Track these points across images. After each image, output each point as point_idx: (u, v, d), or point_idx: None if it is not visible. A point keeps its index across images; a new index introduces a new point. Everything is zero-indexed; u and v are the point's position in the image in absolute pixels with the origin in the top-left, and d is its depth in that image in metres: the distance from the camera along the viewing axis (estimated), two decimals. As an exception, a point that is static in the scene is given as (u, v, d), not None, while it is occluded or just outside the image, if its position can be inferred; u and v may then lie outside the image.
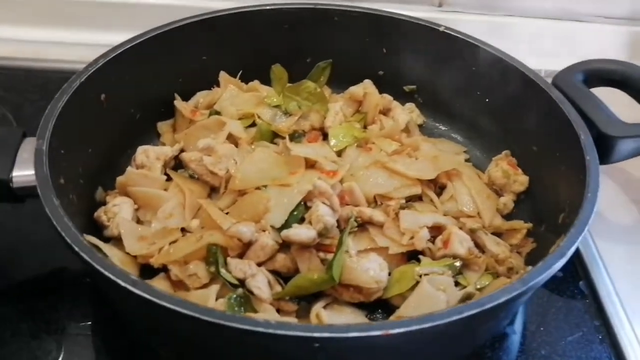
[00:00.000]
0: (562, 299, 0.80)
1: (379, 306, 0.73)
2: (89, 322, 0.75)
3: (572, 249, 0.62)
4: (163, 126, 0.95)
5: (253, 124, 0.91)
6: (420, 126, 1.01)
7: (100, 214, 0.78)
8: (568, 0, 1.19)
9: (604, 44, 1.18)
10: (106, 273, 0.56)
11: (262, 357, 0.61)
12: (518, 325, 0.77)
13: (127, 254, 0.74)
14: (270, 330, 0.52)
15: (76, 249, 0.58)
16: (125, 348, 0.73)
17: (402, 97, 1.02)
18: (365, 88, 0.97)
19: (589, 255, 0.85)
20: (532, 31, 1.19)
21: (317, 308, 0.70)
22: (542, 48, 1.16)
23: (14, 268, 0.82)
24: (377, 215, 0.78)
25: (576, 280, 0.82)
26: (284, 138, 0.87)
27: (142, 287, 0.54)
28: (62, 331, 0.74)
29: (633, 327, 0.76)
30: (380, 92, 1.00)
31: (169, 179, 0.84)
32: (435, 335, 0.57)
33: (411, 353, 0.62)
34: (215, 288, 0.69)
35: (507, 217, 0.86)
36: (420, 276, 0.72)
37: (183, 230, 0.78)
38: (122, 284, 0.54)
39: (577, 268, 0.83)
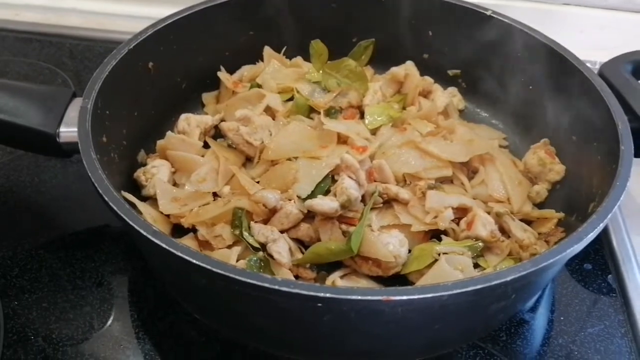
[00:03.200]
0: (587, 291, 0.79)
1: (397, 282, 0.74)
2: (124, 278, 0.80)
3: (591, 235, 0.61)
4: (207, 97, 0.99)
5: (292, 98, 0.93)
6: (461, 111, 1.01)
7: (140, 174, 0.82)
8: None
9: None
10: (132, 223, 0.60)
11: (274, 317, 0.64)
12: (539, 313, 0.76)
13: (161, 213, 0.78)
14: (276, 287, 0.54)
15: (105, 197, 0.62)
16: (153, 299, 0.77)
17: (446, 82, 1.02)
18: (407, 69, 0.97)
19: (622, 249, 0.83)
20: (589, 21, 1.15)
21: (334, 277, 0.72)
22: (597, 39, 1.12)
23: (60, 221, 0.88)
24: (403, 193, 0.79)
25: (605, 273, 0.80)
26: (319, 113, 0.89)
27: (160, 237, 0.58)
28: (98, 281, 0.79)
29: (658, 323, 0.74)
30: (425, 75, 1.00)
31: (208, 147, 0.87)
32: (440, 308, 0.57)
33: (419, 326, 0.63)
34: (237, 250, 0.72)
35: (541, 205, 0.85)
36: (439, 254, 0.72)
37: (215, 195, 0.81)
38: (141, 230, 0.58)
39: (607, 261, 0.82)
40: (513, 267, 0.57)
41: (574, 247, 0.59)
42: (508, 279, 0.56)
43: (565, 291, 0.79)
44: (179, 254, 0.57)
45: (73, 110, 0.76)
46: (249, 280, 0.55)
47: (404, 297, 0.54)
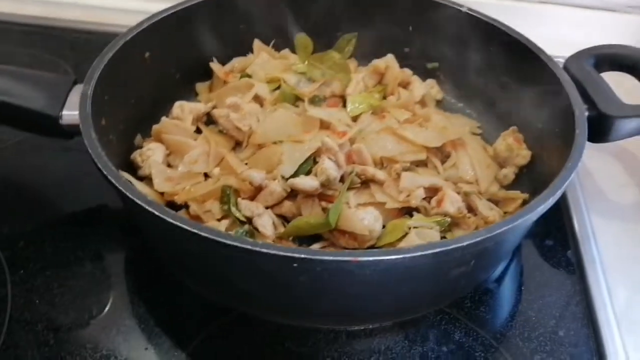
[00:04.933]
0: (548, 265, 0.85)
1: (372, 254, 0.81)
2: (122, 251, 0.86)
3: (541, 207, 0.68)
4: (201, 87, 1.05)
5: (279, 88, 1.00)
6: (439, 102, 1.07)
7: (136, 155, 0.89)
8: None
9: (634, 34, 1.20)
10: (127, 193, 0.66)
11: (257, 281, 0.70)
12: (503, 283, 0.83)
13: (156, 191, 0.85)
14: (257, 248, 0.60)
15: (104, 172, 0.68)
16: (146, 270, 0.83)
17: (426, 74, 1.09)
18: (387, 62, 1.04)
19: (582, 228, 0.89)
20: (565, 19, 1.22)
21: (314, 248, 0.79)
22: (573, 36, 1.18)
23: (61, 200, 0.94)
24: (379, 174, 0.85)
25: (565, 249, 0.87)
26: (304, 101, 0.95)
27: (155, 206, 0.64)
28: (97, 254, 0.85)
29: (610, 294, 0.80)
30: (405, 67, 1.07)
31: (200, 133, 0.94)
32: (405, 270, 0.64)
33: (387, 288, 0.69)
34: (225, 223, 0.79)
35: (508, 187, 0.91)
36: (410, 228, 0.79)
37: (206, 176, 0.88)
38: (137, 200, 0.64)
39: (568, 239, 0.88)
40: (469, 234, 0.64)
41: (524, 217, 0.66)
42: (464, 244, 0.62)
43: (528, 265, 0.85)
44: (173, 221, 0.63)
45: (74, 95, 0.82)
46: (234, 243, 0.61)
47: (370, 258, 0.60)
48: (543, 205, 0.68)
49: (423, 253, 0.61)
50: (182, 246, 0.72)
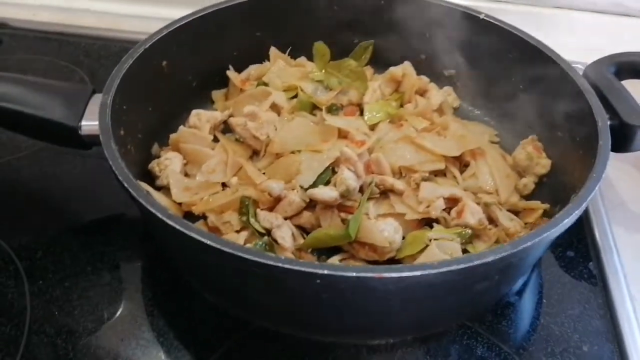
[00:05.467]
0: (570, 276, 0.84)
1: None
2: (139, 262, 0.86)
3: (566, 221, 0.66)
4: (217, 94, 1.05)
5: (296, 96, 0.99)
6: (456, 109, 1.07)
7: (154, 165, 0.89)
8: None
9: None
10: (148, 207, 0.66)
11: (278, 295, 0.70)
12: (525, 296, 0.82)
13: (173, 201, 0.84)
14: (279, 264, 0.60)
15: (125, 184, 0.68)
16: (164, 280, 0.83)
17: (442, 81, 1.08)
18: (404, 69, 1.03)
19: (604, 239, 0.88)
20: (578, 24, 1.21)
21: (333, 260, 0.78)
22: (587, 41, 1.18)
23: (79, 209, 0.94)
24: (399, 184, 0.85)
25: (587, 261, 0.86)
26: (322, 110, 0.95)
27: (175, 220, 0.64)
28: (115, 264, 0.85)
29: (634, 307, 0.79)
30: (422, 75, 1.06)
31: (218, 141, 0.94)
32: (428, 286, 0.63)
33: (410, 304, 0.69)
34: (244, 235, 0.78)
35: (528, 197, 0.90)
36: (431, 240, 0.78)
37: (224, 185, 0.87)
38: (157, 213, 0.64)
39: (589, 250, 0.87)
40: (494, 249, 0.63)
41: (549, 231, 0.65)
42: (489, 259, 0.61)
43: (550, 277, 0.84)
44: (193, 235, 0.63)
45: (93, 105, 0.81)
46: (255, 259, 0.60)
47: (394, 275, 0.59)
48: (568, 219, 0.67)
49: (448, 269, 0.60)
50: (201, 259, 0.71)
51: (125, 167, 0.71)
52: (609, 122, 0.81)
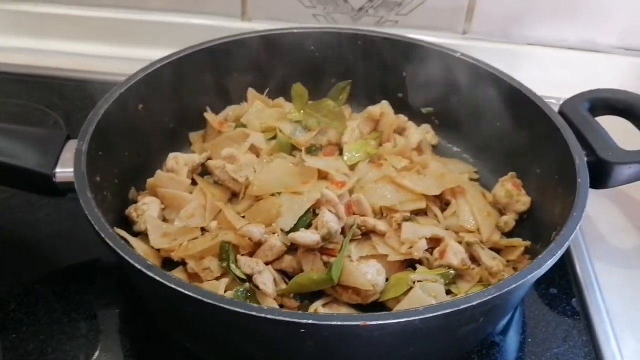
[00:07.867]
0: (554, 314, 0.84)
1: (376, 309, 0.78)
2: (117, 310, 0.84)
3: (550, 262, 0.67)
4: (194, 136, 1.04)
5: (275, 137, 0.99)
6: (435, 147, 1.07)
7: (131, 211, 0.87)
8: (589, 32, 1.23)
9: (622, 75, 1.21)
10: (123, 255, 0.64)
11: (261, 345, 0.68)
12: (509, 335, 0.81)
13: (152, 247, 0.83)
14: (262, 315, 0.58)
15: (102, 235, 0.66)
16: (144, 330, 0.80)
17: (420, 119, 1.08)
18: (382, 108, 1.03)
19: (585, 275, 0.88)
20: (551, 61, 1.24)
21: (317, 305, 0.77)
22: (560, 77, 1.20)
23: (54, 257, 0.91)
24: (381, 225, 0.84)
25: (569, 297, 0.86)
26: (301, 151, 0.94)
27: (154, 270, 0.62)
28: (92, 314, 0.82)
29: (619, 344, 0.79)
30: (401, 113, 1.06)
31: (196, 185, 0.92)
32: (413, 331, 0.62)
33: (395, 350, 0.68)
34: (225, 281, 0.77)
35: (509, 235, 0.90)
36: (414, 282, 0.77)
37: (203, 230, 0.86)
38: (135, 264, 0.62)
39: (572, 286, 0.87)
40: (479, 292, 0.62)
41: (533, 273, 0.65)
42: (474, 303, 0.61)
43: (534, 314, 0.84)
44: (172, 285, 0.61)
45: (68, 152, 0.80)
46: (237, 309, 0.59)
47: (380, 322, 0.58)
48: (551, 259, 0.67)
49: (434, 315, 0.59)
50: (181, 309, 0.69)
51: (101, 215, 0.70)
52: (586, 159, 0.82)
